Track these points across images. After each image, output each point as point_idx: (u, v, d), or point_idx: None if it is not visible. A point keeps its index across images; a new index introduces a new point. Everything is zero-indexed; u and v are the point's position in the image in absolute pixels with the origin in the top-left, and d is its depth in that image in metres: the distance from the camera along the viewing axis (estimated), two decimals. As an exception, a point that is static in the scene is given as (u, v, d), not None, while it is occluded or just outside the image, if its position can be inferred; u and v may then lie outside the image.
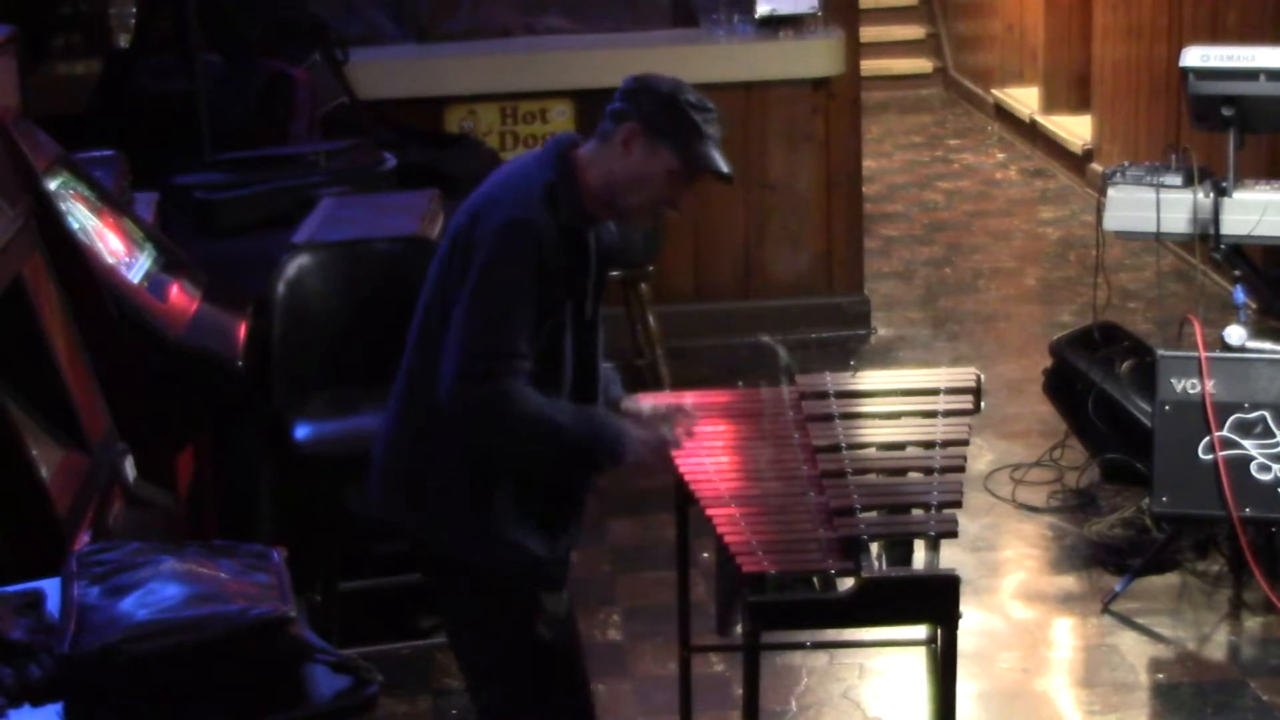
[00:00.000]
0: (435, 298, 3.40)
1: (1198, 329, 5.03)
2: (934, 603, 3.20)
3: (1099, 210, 5.46)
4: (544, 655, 3.48)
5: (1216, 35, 7.43)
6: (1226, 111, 5.13)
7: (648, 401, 3.64)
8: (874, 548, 3.29)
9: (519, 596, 3.45)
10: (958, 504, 3.37)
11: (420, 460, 3.44)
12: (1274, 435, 4.86)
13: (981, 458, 5.98)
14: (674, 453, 3.45)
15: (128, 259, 4.41)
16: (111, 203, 4.59)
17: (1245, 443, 4.88)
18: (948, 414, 3.69)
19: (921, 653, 4.17)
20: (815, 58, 7.34)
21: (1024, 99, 11.07)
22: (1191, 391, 4.92)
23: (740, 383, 3.91)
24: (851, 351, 7.34)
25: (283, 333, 4.63)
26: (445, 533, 3.44)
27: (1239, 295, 5.24)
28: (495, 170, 3.53)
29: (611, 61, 7.28)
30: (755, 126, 7.30)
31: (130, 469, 3.79)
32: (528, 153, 3.54)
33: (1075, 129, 10.06)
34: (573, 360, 3.40)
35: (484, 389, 3.24)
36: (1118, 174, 5.39)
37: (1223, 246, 5.23)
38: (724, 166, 3.33)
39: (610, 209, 3.41)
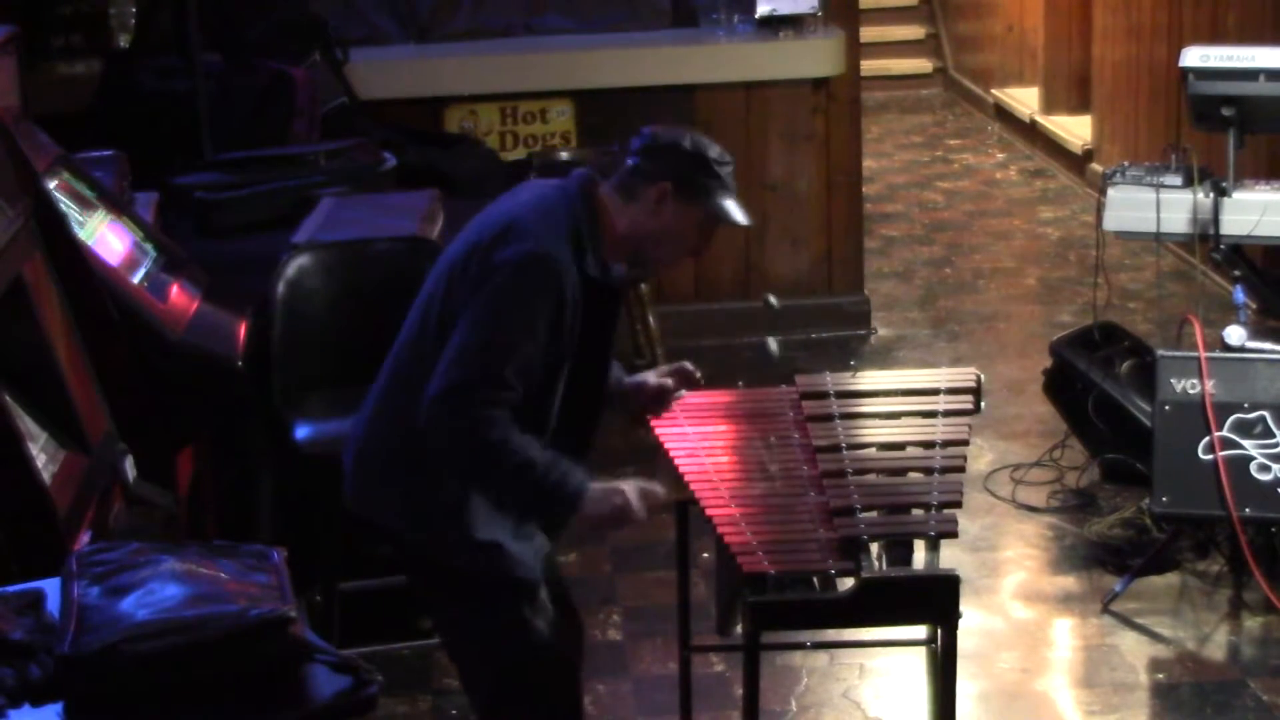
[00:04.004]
0: (438, 303, 3.38)
1: (1198, 329, 5.03)
2: (934, 603, 3.20)
3: (1099, 210, 5.46)
4: (532, 653, 3.49)
5: (1216, 35, 7.44)
6: (1226, 111, 5.13)
7: (650, 375, 3.66)
8: (874, 548, 3.29)
9: (501, 596, 3.46)
10: (958, 504, 3.37)
11: (400, 459, 3.44)
12: (1274, 435, 4.86)
13: (981, 458, 5.98)
14: (633, 512, 3.41)
15: (128, 259, 4.41)
16: (111, 203, 4.59)
17: (1245, 443, 4.88)
18: (948, 414, 3.69)
19: (921, 653, 4.17)
20: (815, 58, 7.34)
21: (1024, 99, 11.07)
22: (1191, 391, 4.92)
23: (740, 383, 3.91)
24: (851, 351, 7.34)
25: (283, 333, 4.62)
26: (423, 532, 3.44)
27: (1239, 295, 5.24)
28: (517, 190, 3.53)
29: (611, 61, 7.29)
30: (755, 126, 7.30)
31: (130, 469, 3.79)
32: (548, 182, 3.53)
33: (1075, 129, 10.07)
34: (572, 403, 3.42)
35: (463, 412, 3.26)
36: (1118, 174, 5.39)
37: (1223, 246, 5.23)
38: (745, 219, 3.50)
39: (633, 257, 3.48)
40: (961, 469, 3.49)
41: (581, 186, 3.42)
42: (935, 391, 3.79)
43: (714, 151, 3.43)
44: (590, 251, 3.37)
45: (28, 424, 3.45)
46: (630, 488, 3.38)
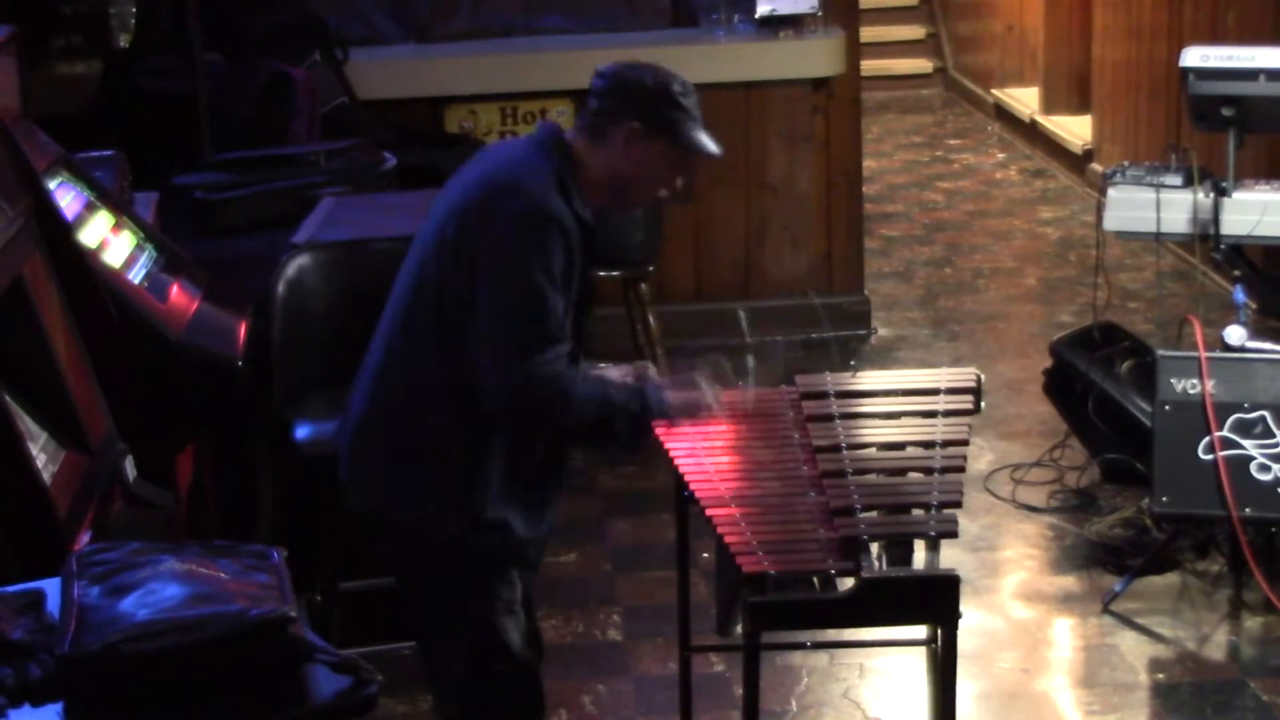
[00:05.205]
0: (429, 279, 3.40)
1: (1198, 329, 5.03)
2: (934, 603, 3.20)
3: (1099, 210, 5.46)
4: (502, 652, 3.51)
5: (1216, 35, 7.43)
6: (1226, 111, 5.13)
7: None
8: (874, 548, 3.29)
9: (485, 580, 3.48)
10: (958, 504, 3.37)
11: (399, 441, 3.45)
12: (1274, 435, 4.86)
13: (981, 458, 5.98)
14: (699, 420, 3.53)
15: (128, 259, 4.41)
16: (111, 203, 4.59)
17: (1245, 443, 4.88)
18: (948, 414, 3.69)
19: (921, 653, 4.17)
20: (815, 58, 7.34)
21: (1024, 99, 11.07)
22: (1191, 391, 4.92)
23: (740, 383, 3.90)
24: (852, 351, 7.34)
25: (283, 333, 4.62)
26: (423, 513, 3.45)
27: (1239, 295, 5.24)
28: (482, 155, 3.55)
29: (611, 61, 7.28)
30: (755, 126, 7.29)
31: (130, 469, 3.78)
32: (515, 140, 3.56)
33: (1075, 129, 10.06)
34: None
35: (536, 384, 3.29)
36: (1118, 174, 5.39)
37: (1223, 246, 5.23)
38: (716, 148, 3.47)
39: (613, 201, 3.51)
40: (961, 469, 3.49)
41: (551, 136, 3.45)
42: (935, 391, 3.79)
43: (677, 85, 3.44)
44: (576, 196, 3.39)
45: (28, 424, 3.45)
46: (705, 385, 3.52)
